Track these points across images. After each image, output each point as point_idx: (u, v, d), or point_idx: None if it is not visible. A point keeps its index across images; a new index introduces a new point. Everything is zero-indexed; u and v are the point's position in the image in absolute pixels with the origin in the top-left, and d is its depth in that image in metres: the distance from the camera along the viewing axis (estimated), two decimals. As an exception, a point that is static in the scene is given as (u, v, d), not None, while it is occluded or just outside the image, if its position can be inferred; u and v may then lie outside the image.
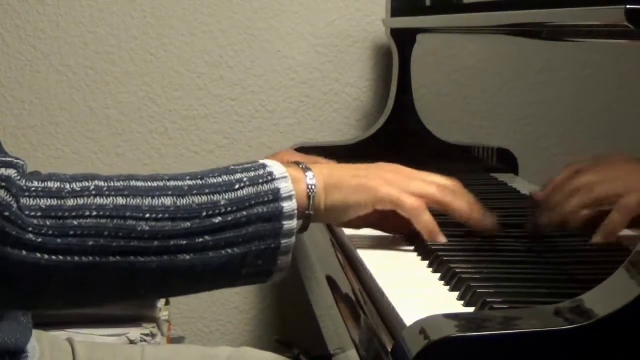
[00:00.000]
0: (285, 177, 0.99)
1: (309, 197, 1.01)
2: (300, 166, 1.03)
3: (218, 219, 0.94)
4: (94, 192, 0.92)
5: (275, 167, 1.00)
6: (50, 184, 0.92)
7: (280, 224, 0.97)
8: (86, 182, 0.93)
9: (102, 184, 0.93)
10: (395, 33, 1.95)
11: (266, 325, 2.19)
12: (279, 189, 0.98)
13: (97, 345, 1.38)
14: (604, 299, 0.78)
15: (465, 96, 1.59)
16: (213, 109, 2.15)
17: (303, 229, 1.03)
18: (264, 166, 1.00)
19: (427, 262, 1.11)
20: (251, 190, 0.97)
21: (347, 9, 2.15)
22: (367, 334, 0.96)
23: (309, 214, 1.02)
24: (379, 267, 1.10)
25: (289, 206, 0.98)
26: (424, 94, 1.84)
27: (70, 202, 0.91)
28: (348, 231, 1.24)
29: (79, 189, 0.92)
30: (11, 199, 0.90)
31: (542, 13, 1.18)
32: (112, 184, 0.94)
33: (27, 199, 0.91)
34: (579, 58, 1.15)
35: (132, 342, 1.76)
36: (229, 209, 0.95)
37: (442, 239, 1.11)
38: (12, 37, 2.09)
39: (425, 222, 1.10)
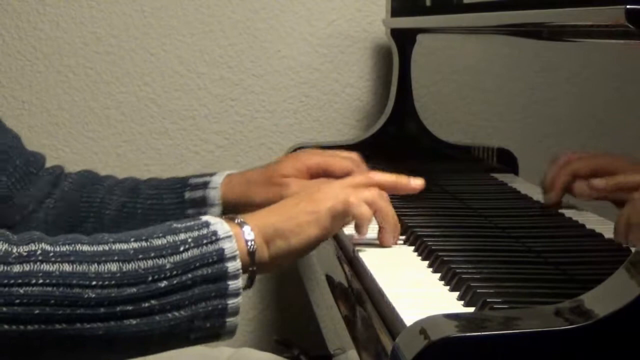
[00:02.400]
0: (229, 237, 0.98)
1: (249, 253, 1.00)
2: (236, 221, 1.02)
3: (164, 283, 0.94)
4: (40, 258, 0.91)
5: (219, 226, 0.99)
6: None
7: (226, 284, 0.97)
8: (33, 245, 0.92)
9: (48, 247, 0.92)
10: (395, 33, 1.96)
11: (266, 325, 2.20)
12: (223, 249, 0.97)
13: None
14: (604, 299, 0.78)
15: (465, 96, 1.59)
16: (213, 109, 2.15)
17: (249, 285, 1.02)
18: (207, 224, 0.99)
19: (427, 262, 1.11)
20: (196, 251, 0.96)
21: (347, 9, 2.15)
22: (367, 334, 0.96)
23: (252, 270, 1.01)
24: (379, 267, 1.10)
25: (233, 266, 0.97)
26: (424, 94, 1.84)
27: (17, 269, 0.90)
28: (348, 231, 1.24)
29: (25, 254, 0.91)
30: None
31: (542, 13, 1.18)
32: (58, 248, 0.93)
33: None
34: (579, 58, 1.15)
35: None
36: (174, 272, 0.95)
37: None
38: (12, 37, 2.09)
39: (384, 213, 1.13)
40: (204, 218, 1.00)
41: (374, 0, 2.13)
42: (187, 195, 1.27)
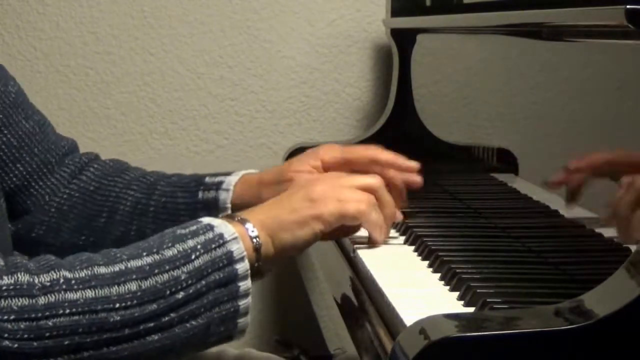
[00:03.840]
0: (235, 238, 0.98)
1: (255, 249, 1.01)
2: (236, 219, 1.02)
3: (181, 294, 0.95)
4: (63, 287, 0.90)
5: (223, 228, 0.99)
6: (20, 278, 0.90)
7: (237, 286, 0.97)
8: (54, 273, 0.91)
9: (68, 274, 0.91)
10: (395, 33, 1.96)
11: (266, 325, 2.19)
12: (231, 252, 0.98)
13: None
14: (604, 299, 0.78)
15: (465, 96, 1.59)
16: (213, 109, 2.15)
17: (258, 277, 1.02)
18: (211, 227, 0.99)
19: (427, 262, 1.11)
20: (206, 257, 0.96)
21: (347, 9, 2.15)
22: (367, 334, 0.96)
23: (258, 265, 1.01)
24: (379, 267, 1.10)
25: (242, 267, 0.98)
26: (424, 94, 1.84)
27: (42, 300, 0.89)
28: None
29: (48, 284, 0.90)
30: None
31: (542, 13, 1.18)
32: (78, 274, 0.92)
33: (0, 300, 0.88)
34: (579, 58, 1.15)
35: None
36: (190, 281, 0.95)
37: (385, 235, 1.15)
38: (12, 37, 2.09)
39: (374, 220, 1.12)
40: (206, 220, 1.00)
41: (374, 0, 2.13)
42: (201, 195, 1.25)
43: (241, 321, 0.99)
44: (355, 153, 1.25)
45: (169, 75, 2.13)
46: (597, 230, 1.05)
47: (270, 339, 2.16)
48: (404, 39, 1.91)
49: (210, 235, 0.98)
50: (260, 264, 1.01)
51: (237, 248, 0.98)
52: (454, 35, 1.64)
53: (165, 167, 2.14)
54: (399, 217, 1.20)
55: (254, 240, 1.01)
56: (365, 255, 1.15)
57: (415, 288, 1.03)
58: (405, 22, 1.91)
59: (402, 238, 1.23)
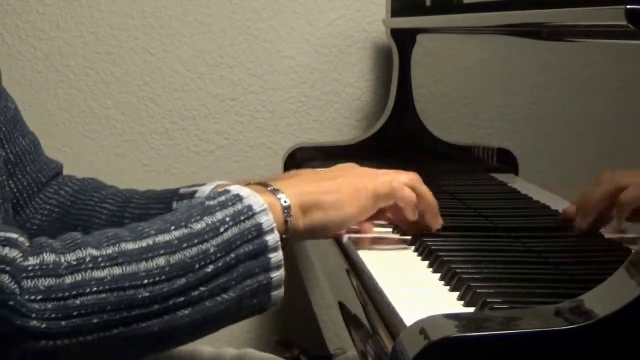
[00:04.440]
0: (264, 210, 0.97)
1: (285, 221, 1.00)
2: (269, 188, 1.02)
3: (210, 267, 0.94)
4: (90, 265, 0.90)
5: (252, 199, 0.98)
6: (46, 258, 0.90)
7: (267, 258, 0.97)
8: (80, 252, 0.91)
9: (95, 252, 0.91)
10: (395, 33, 1.96)
11: (266, 325, 2.19)
12: (260, 224, 0.97)
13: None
14: (604, 299, 0.78)
15: (465, 96, 1.59)
16: (213, 109, 2.15)
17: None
18: (240, 198, 0.98)
19: (427, 262, 1.11)
20: (235, 230, 0.96)
21: (347, 9, 2.15)
22: (367, 334, 0.96)
23: (285, 238, 1.01)
24: (379, 267, 1.10)
25: (272, 238, 0.97)
26: (424, 94, 1.84)
27: (69, 280, 0.89)
28: (348, 233, 1.24)
29: (74, 263, 0.90)
30: (14, 285, 0.87)
31: (542, 13, 1.18)
32: (105, 251, 0.92)
33: (26, 280, 0.88)
34: (579, 58, 1.15)
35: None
36: (219, 254, 0.95)
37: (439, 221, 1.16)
38: (12, 37, 2.09)
39: (427, 196, 1.14)
40: (234, 190, 0.99)
41: (374, 0, 2.13)
42: (174, 205, 1.26)
43: (274, 294, 0.98)
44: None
45: (169, 75, 2.13)
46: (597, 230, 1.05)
47: (270, 339, 2.16)
48: (404, 39, 1.91)
49: (239, 206, 0.97)
50: (287, 236, 1.01)
51: (267, 220, 0.97)
52: (454, 35, 1.64)
53: (166, 167, 2.15)
54: (438, 221, 1.19)
55: (285, 211, 1.00)
56: (365, 255, 1.15)
57: (415, 288, 1.03)
58: (405, 22, 1.91)
59: (402, 238, 1.23)
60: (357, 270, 1.14)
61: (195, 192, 1.26)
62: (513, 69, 1.36)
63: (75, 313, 0.89)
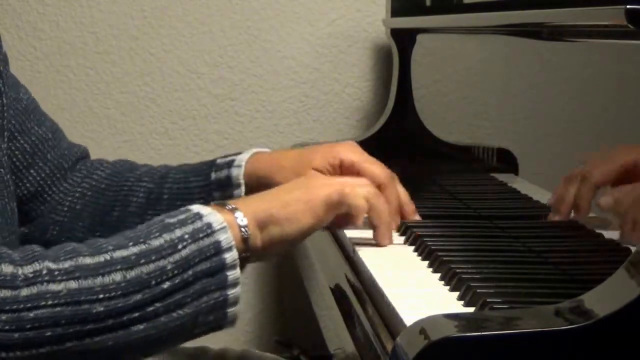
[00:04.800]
0: (224, 228, 0.98)
1: (243, 240, 1.00)
2: (227, 207, 1.01)
3: (167, 284, 0.94)
4: (46, 278, 0.90)
5: (212, 217, 0.98)
6: (4, 269, 0.90)
7: (225, 275, 0.97)
8: (37, 264, 0.91)
9: (52, 265, 0.91)
10: (395, 33, 1.96)
11: (266, 325, 2.20)
12: (219, 241, 0.97)
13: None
14: (604, 299, 0.78)
15: (465, 96, 1.60)
16: (213, 109, 2.15)
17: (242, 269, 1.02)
18: (199, 216, 0.98)
19: (427, 262, 1.11)
20: (193, 247, 0.96)
21: (347, 9, 2.15)
22: (367, 334, 0.96)
23: (245, 256, 1.01)
24: (379, 267, 1.10)
25: (230, 256, 0.97)
26: (424, 94, 1.84)
27: (25, 292, 0.89)
28: (348, 231, 1.24)
29: (31, 275, 0.90)
30: None
31: (542, 13, 1.18)
32: (62, 265, 0.92)
33: None
34: (579, 58, 1.15)
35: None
36: (176, 271, 0.95)
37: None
38: (12, 37, 2.09)
39: (379, 211, 1.14)
40: (195, 209, 1.00)
41: (374, 0, 2.13)
42: (214, 176, 1.25)
43: (230, 311, 0.98)
44: (370, 172, 1.22)
45: (169, 75, 2.13)
46: (597, 230, 1.05)
47: (270, 339, 2.16)
48: (404, 39, 1.91)
49: (198, 224, 0.98)
50: (248, 255, 1.01)
51: (225, 238, 0.98)
52: (454, 35, 1.64)
53: (165, 167, 2.15)
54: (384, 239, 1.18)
55: (243, 229, 1.00)
56: (365, 255, 1.15)
57: (415, 288, 1.03)
58: (405, 22, 1.91)
59: (402, 238, 1.23)
60: (357, 270, 1.14)
61: (232, 161, 1.25)
62: (513, 69, 1.36)
63: (29, 326, 0.89)
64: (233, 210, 1.01)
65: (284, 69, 2.15)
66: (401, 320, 0.90)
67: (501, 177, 1.40)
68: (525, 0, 1.24)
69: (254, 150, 1.27)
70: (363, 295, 1.06)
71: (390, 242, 1.18)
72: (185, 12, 2.12)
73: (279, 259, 2.11)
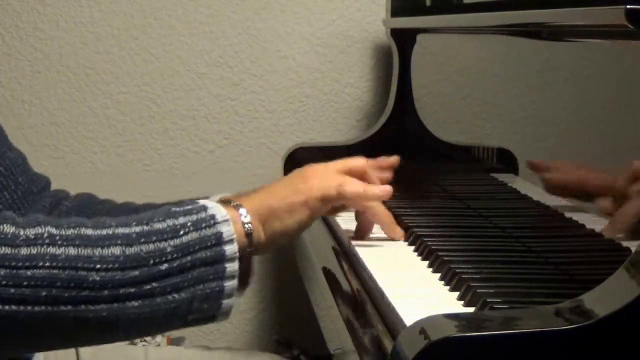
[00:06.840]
0: (226, 220, 1.01)
1: (247, 235, 1.03)
2: (232, 204, 1.05)
3: (165, 266, 0.97)
4: (47, 241, 0.93)
5: (216, 210, 1.02)
6: (5, 229, 0.93)
7: (223, 267, 0.99)
8: (39, 228, 0.94)
9: (54, 231, 0.94)
10: (395, 33, 1.95)
11: (266, 325, 2.20)
12: (221, 233, 1.00)
13: (100, 347, 1.38)
14: (604, 299, 0.78)
15: (465, 96, 1.59)
16: (213, 109, 2.15)
17: (248, 268, 1.04)
18: (204, 208, 1.02)
19: (427, 262, 1.11)
20: (195, 235, 0.99)
21: (347, 9, 2.15)
22: (367, 334, 0.96)
23: (250, 251, 1.03)
24: (379, 267, 1.10)
25: (230, 249, 1.00)
26: (424, 94, 1.84)
27: (24, 251, 0.92)
28: (348, 232, 1.24)
29: (32, 237, 0.93)
30: None
31: (542, 13, 1.18)
32: (64, 232, 0.95)
33: None
34: (579, 58, 1.15)
35: (132, 342, 1.75)
36: (175, 255, 0.97)
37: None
38: (12, 37, 2.09)
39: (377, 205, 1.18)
40: (202, 202, 1.03)
41: (374, 0, 2.13)
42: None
43: (225, 302, 1.00)
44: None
45: (169, 75, 2.13)
46: (597, 230, 1.05)
47: (270, 339, 2.16)
48: (404, 39, 1.91)
49: (202, 215, 1.01)
50: (253, 249, 1.03)
51: (227, 230, 1.00)
52: (454, 35, 1.64)
53: (165, 167, 2.15)
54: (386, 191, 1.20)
55: (246, 225, 1.03)
56: (366, 255, 1.15)
57: (415, 288, 1.03)
58: (405, 22, 1.91)
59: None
60: (357, 271, 1.14)
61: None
62: (513, 69, 1.36)
63: (25, 283, 0.91)
64: (237, 207, 1.04)
65: (284, 69, 2.15)
66: (401, 320, 0.90)
67: (501, 177, 1.40)
68: (525, 0, 1.24)
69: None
70: (363, 295, 1.06)
71: (402, 236, 1.20)
72: (185, 12, 2.12)
73: (279, 259, 2.12)
